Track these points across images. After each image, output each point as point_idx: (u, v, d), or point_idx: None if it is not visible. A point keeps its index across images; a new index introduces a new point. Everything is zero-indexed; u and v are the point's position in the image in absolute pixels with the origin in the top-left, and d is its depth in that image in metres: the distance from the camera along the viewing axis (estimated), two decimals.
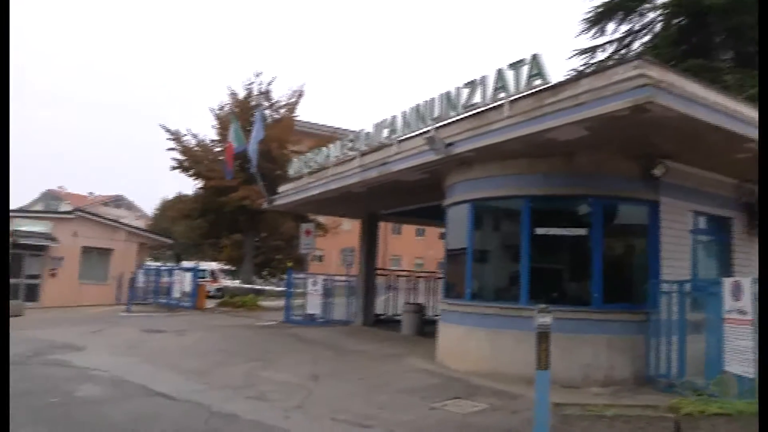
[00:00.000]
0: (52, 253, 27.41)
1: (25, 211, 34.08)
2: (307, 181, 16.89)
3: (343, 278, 20.34)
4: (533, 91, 9.29)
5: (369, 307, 19.41)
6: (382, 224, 21.28)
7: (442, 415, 7.95)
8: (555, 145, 9.50)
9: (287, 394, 9.16)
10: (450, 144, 10.65)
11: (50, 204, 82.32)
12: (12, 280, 25.95)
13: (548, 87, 9.02)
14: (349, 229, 38.21)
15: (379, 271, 20.68)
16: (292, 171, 18.12)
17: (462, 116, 10.82)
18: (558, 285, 10.77)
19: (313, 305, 19.76)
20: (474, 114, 10.54)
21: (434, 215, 15.42)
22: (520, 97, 9.55)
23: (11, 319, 20.31)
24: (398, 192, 14.79)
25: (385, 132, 13.26)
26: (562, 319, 6.37)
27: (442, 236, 14.03)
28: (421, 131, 11.89)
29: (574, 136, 8.89)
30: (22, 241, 25.83)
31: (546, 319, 6.02)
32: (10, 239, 25.43)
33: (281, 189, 19.26)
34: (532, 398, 7.78)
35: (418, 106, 12.03)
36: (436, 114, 11.41)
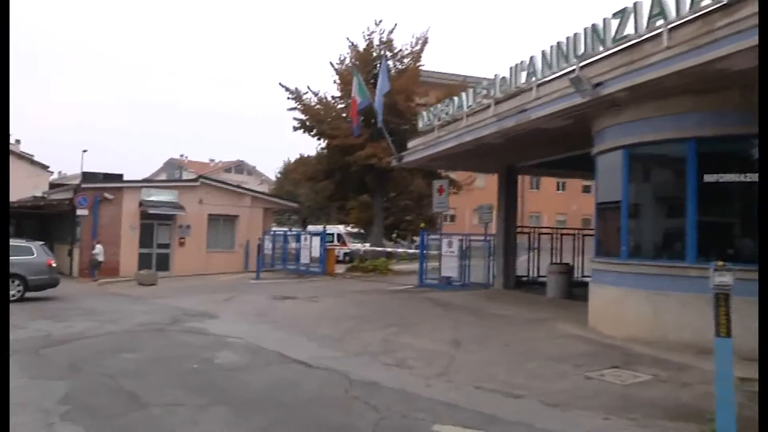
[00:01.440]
0: (180, 222, 29.40)
1: (151, 181, 36.73)
2: (438, 135, 16.92)
3: (480, 238, 20.31)
4: (700, 13, 8.65)
5: (509, 268, 19.28)
6: (519, 178, 20.95)
7: (599, 385, 7.81)
8: (727, 77, 8.80)
9: (428, 361, 9.36)
10: (598, 84, 10.19)
11: (173, 173, 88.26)
12: (144, 250, 28.29)
13: (720, 6, 8.34)
14: (483, 185, 37.87)
15: (519, 229, 20.43)
16: (421, 124, 18.21)
17: (612, 51, 10.34)
18: (732, 240, 10.12)
19: (449, 268, 19.92)
20: (626, 47, 10.03)
21: (579, 166, 14.93)
22: (682, 23, 8.93)
23: (147, 288, 22.22)
24: (538, 142, 14.46)
25: (523, 76, 12.98)
26: (739, 279, 5.96)
27: (586, 189, 13.59)
28: (564, 72, 11.52)
29: (753, 63, 8.18)
30: (152, 210, 27.90)
31: (725, 278, 5.66)
32: (139, 209, 27.57)
33: (410, 144, 19.41)
34: (704, 370, 7.47)
35: (559, 43, 11.62)
36: (581, 51, 10.97)
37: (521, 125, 12.67)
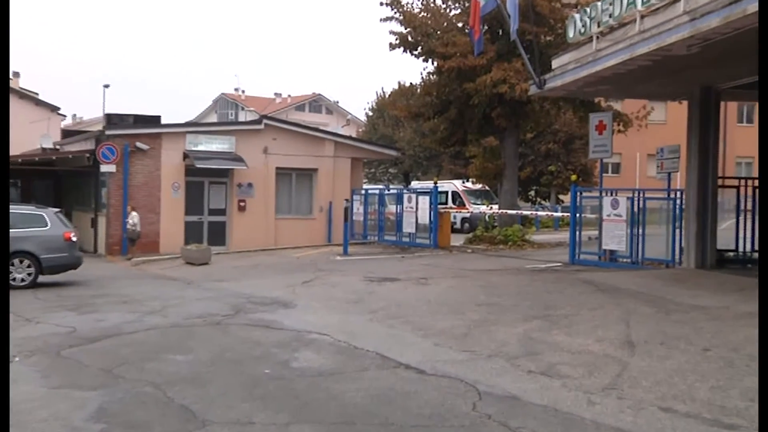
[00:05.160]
0: (238, 179, 30.07)
1: (198, 125, 37.67)
2: (597, 48, 16.48)
3: (660, 195, 19.76)
4: None
5: (706, 239, 18.64)
6: (722, 107, 20.16)
7: None
8: None
9: (588, 368, 9.24)
10: None
11: (226, 114, 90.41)
12: (192, 218, 29.13)
13: None
14: (664, 119, 36.90)
15: (722, 182, 19.71)
16: (572, 33, 17.76)
17: None
18: None
19: (613, 238, 19.59)
20: None
21: None
22: None
23: (198, 268, 23.03)
24: (754, 50, 13.82)
25: None
26: None
27: None
28: None
29: None
30: (201, 164, 28.61)
31: None
32: (184, 162, 28.38)
33: (556, 63, 19.01)
34: None
35: None
36: None
37: (731, 23, 12.03)
